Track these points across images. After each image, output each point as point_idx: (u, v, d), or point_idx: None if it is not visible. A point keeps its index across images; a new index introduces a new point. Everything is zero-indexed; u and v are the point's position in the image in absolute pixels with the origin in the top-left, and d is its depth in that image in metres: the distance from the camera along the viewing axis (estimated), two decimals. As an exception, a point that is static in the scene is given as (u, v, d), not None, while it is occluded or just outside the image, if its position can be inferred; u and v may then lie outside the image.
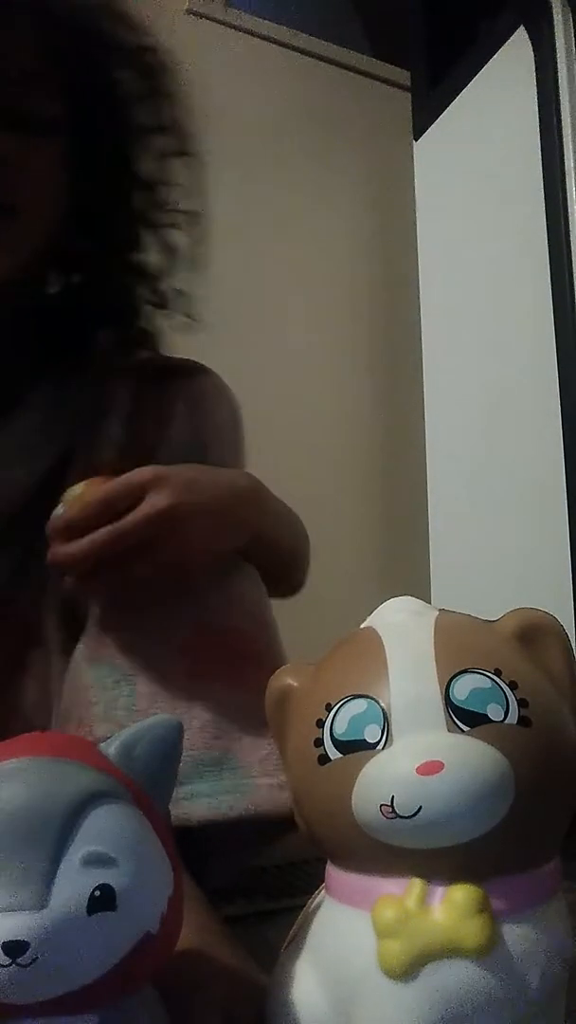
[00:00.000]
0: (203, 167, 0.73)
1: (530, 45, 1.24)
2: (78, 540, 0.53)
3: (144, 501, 0.53)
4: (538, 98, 1.21)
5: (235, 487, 0.60)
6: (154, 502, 0.53)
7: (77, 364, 0.69)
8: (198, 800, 0.53)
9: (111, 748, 0.34)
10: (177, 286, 0.73)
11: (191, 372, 0.69)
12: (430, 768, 0.31)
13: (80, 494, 0.55)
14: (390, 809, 0.32)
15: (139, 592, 0.57)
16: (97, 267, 0.68)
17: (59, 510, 0.55)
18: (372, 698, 0.34)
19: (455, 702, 0.33)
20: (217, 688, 0.56)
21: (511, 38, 1.29)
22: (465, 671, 0.34)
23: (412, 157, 1.55)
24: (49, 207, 0.62)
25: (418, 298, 1.52)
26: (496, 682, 0.33)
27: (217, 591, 0.59)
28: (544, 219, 1.18)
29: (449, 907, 0.32)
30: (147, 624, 0.57)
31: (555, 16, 1.20)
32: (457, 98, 1.43)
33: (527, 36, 1.24)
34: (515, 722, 0.33)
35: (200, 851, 0.54)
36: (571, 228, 1.15)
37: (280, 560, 0.67)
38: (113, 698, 0.55)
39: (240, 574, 0.62)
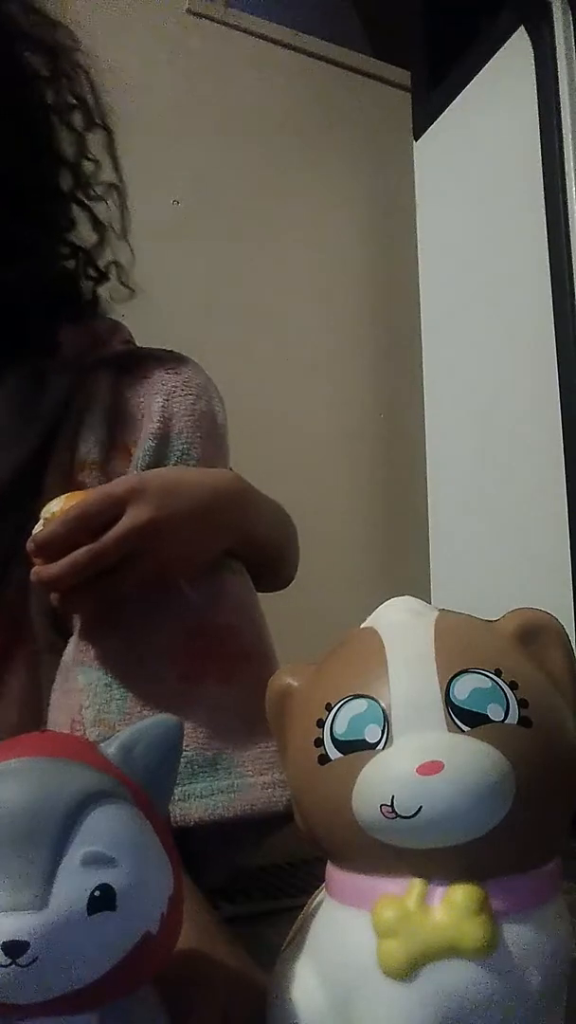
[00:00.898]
0: (114, 137, 0.74)
1: (530, 45, 1.23)
2: (58, 560, 0.52)
3: (124, 515, 0.53)
4: (538, 98, 1.21)
5: (218, 488, 0.60)
6: (134, 516, 0.53)
7: (46, 355, 0.68)
8: (194, 801, 0.53)
9: (111, 748, 0.34)
10: (112, 258, 0.73)
11: (170, 363, 0.67)
12: (430, 768, 0.31)
13: (56, 511, 0.54)
14: (390, 809, 0.32)
15: (125, 602, 0.56)
16: (33, 250, 0.67)
17: (38, 527, 0.54)
18: (372, 698, 0.34)
19: (455, 702, 0.33)
20: (209, 688, 0.56)
21: (511, 38, 1.28)
22: (465, 671, 0.34)
23: (412, 157, 1.55)
24: None
25: (418, 298, 1.51)
26: (496, 682, 0.33)
27: (205, 589, 0.59)
28: (544, 219, 1.18)
29: (449, 907, 0.32)
30: (136, 626, 0.57)
31: (555, 16, 1.20)
32: (457, 98, 1.43)
33: (527, 36, 1.24)
34: (515, 722, 0.33)
35: (196, 850, 0.54)
36: (571, 228, 1.15)
37: (267, 556, 0.66)
38: (105, 702, 0.55)
39: (227, 570, 0.61)
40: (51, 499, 0.56)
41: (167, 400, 0.64)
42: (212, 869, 0.57)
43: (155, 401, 0.64)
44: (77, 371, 0.69)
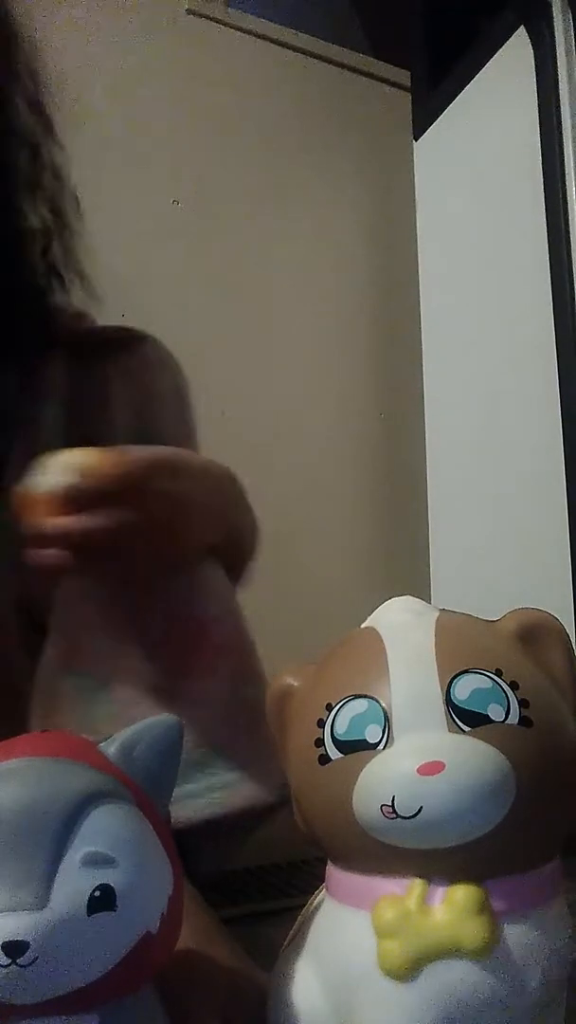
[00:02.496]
0: (57, 114, 0.69)
1: (530, 45, 1.23)
2: (90, 513, 0.47)
3: (155, 483, 0.49)
4: (538, 98, 1.21)
5: (219, 478, 0.58)
6: (169, 487, 0.50)
7: (9, 352, 0.65)
8: (187, 801, 0.53)
9: (111, 748, 0.34)
10: (64, 246, 0.70)
11: (128, 342, 0.64)
12: (431, 768, 0.31)
13: (88, 465, 0.48)
14: (391, 809, 0.32)
15: (108, 584, 0.54)
16: None
17: (57, 477, 0.48)
18: (373, 698, 0.34)
19: (456, 702, 0.33)
20: (195, 682, 0.55)
21: (511, 38, 1.28)
22: (466, 671, 0.33)
23: (412, 157, 1.55)
24: None
25: (418, 298, 1.52)
26: (497, 682, 0.33)
27: (183, 580, 0.57)
28: (544, 219, 1.18)
29: (450, 907, 0.32)
30: (117, 625, 0.56)
31: (555, 16, 1.20)
32: (457, 98, 1.43)
33: (527, 36, 1.24)
34: (516, 722, 0.33)
35: (188, 846, 0.54)
36: (571, 228, 1.15)
37: (239, 547, 0.64)
38: (92, 704, 0.54)
39: (201, 561, 0.59)
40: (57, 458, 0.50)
41: (127, 383, 0.62)
42: (203, 864, 0.57)
43: (116, 387, 0.61)
44: (37, 365, 0.65)
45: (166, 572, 0.57)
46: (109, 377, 0.62)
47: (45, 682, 0.57)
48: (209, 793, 0.53)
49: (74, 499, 0.47)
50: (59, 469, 0.49)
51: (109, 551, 0.49)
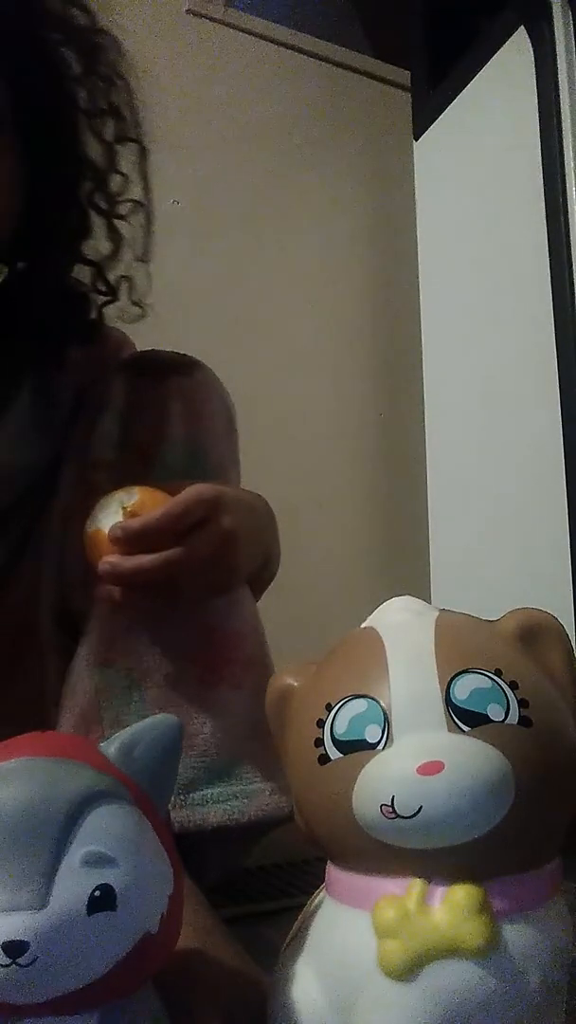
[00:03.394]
0: (148, 155, 0.71)
1: (530, 45, 1.23)
2: (148, 554, 0.51)
3: (211, 520, 0.53)
4: (538, 98, 1.21)
5: (261, 510, 0.62)
6: (223, 523, 0.53)
7: (60, 359, 0.68)
8: (212, 806, 0.54)
9: (111, 748, 0.34)
10: (124, 273, 0.72)
11: (184, 367, 0.68)
12: (430, 768, 0.31)
13: (142, 502, 0.53)
14: (390, 809, 0.32)
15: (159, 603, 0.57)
16: (47, 255, 0.67)
17: (112, 517, 0.53)
18: (372, 698, 0.34)
19: (455, 702, 0.33)
20: (223, 692, 0.57)
21: (511, 38, 1.28)
22: (466, 671, 0.34)
23: (412, 157, 1.55)
24: (6, 197, 0.61)
25: (418, 297, 1.52)
26: (497, 682, 0.33)
27: (222, 599, 0.60)
28: (544, 219, 1.18)
29: (449, 907, 0.32)
30: (156, 629, 0.57)
31: (555, 16, 1.20)
32: (457, 98, 1.43)
33: (527, 36, 1.24)
34: (516, 722, 0.33)
35: (194, 851, 0.54)
36: (571, 228, 1.15)
37: (270, 572, 0.68)
38: (123, 704, 0.55)
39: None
40: (120, 491, 0.55)
41: (182, 405, 0.64)
42: (210, 869, 0.57)
43: (173, 404, 0.64)
44: (90, 377, 0.69)
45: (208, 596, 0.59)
46: (165, 395, 0.65)
47: (76, 680, 0.58)
48: (232, 800, 0.54)
49: (124, 539, 0.52)
50: (113, 509, 0.54)
51: (160, 585, 0.53)
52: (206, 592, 0.57)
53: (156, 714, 0.54)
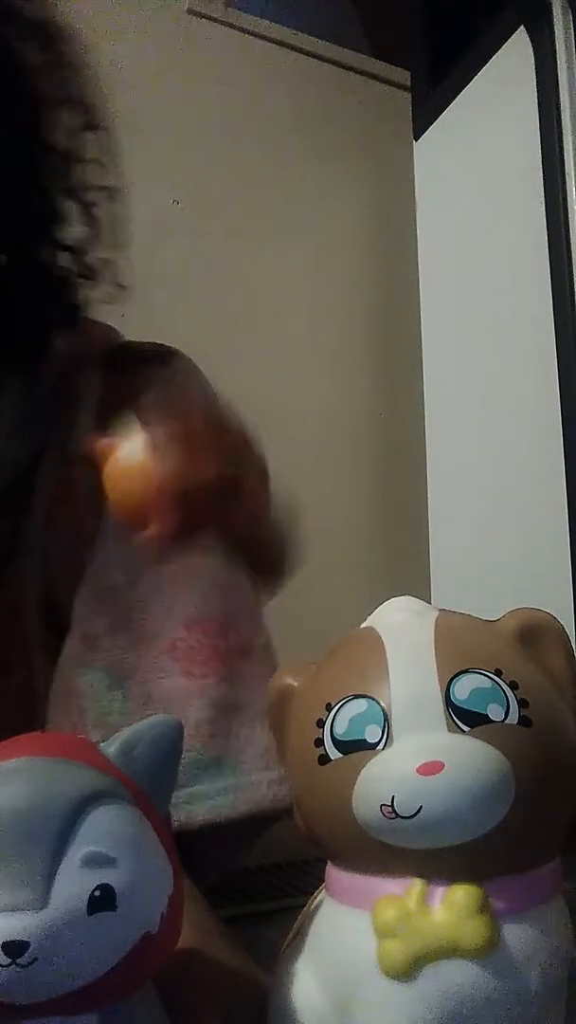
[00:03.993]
0: (115, 141, 0.71)
1: (530, 45, 1.23)
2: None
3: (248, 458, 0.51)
4: (538, 98, 1.21)
5: (265, 468, 0.59)
6: (261, 464, 0.52)
7: (39, 359, 0.67)
8: (199, 803, 0.53)
9: (111, 748, 0.34)
10: (102, 256, 0.71)
11: (161, 357, 0.67)
12: (431, 768, 0.31)
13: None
14: (390, 809, 0.32)
15: (128, 600, 0.56)
16: (21, 243, 0.66)
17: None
18: (372, 698, 0.34)
19: (455, 702, 0.33)
20: (210, 684, 0.56)
21: (511, 38, 1.28)
22: (465, 671, 0.33)
23: (412, 157, 1.55)
24: None
25: (418, 297, 1.51)
26: (496, 682, 0.33)
27: (205, 580, 0.58)
28: (544, 219, 1.18)
29: (449, 907, 0.32)
30: (136, 624, 0.57)
31: (555, 16, 1.20)
32: (457, 98, 1.43)
33: (527, 36, 1.24)
34: (516, 722, 0.33)
35: (193, 849, 0.54)
36: (571, 228, 1.15)
37: (269, 550, 0.65)
38: (107, 703, 0.55)
39: (224, 560, 0.60)
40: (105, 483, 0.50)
41: (158, 395, 0.62)
42: (210, 867, 0.57)
43: (148, 395, 0.61)
44: (69, 371, 0.68)
45: (186, 574, 0.57)
46: (140, 387, 0.63)
47: (60, 680, 0.58)
48: (222, 795, 0.53)
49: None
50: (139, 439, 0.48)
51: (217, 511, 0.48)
52: (223, 537, 0.53)
53: (138, 711, 0.54)
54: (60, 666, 0.58)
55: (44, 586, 0.63)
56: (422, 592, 1.28)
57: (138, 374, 0.64)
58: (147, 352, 0.67)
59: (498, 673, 0.34)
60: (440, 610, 0.38)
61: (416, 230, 1.54)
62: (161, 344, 0.68)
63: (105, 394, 0.64)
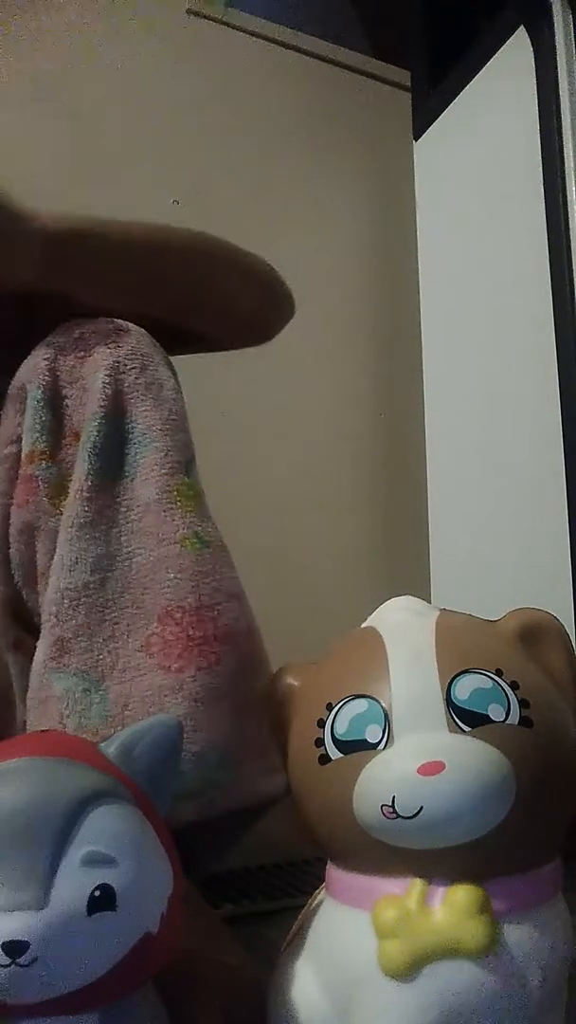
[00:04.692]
0: None
1: (530, 45, 1.23)
2: None
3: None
4: (538, 98, 1.21)
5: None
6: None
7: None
8: (185, 800, 0.51)
9: (111, 748, 0.34)
10: None
11: (112, 335, 0.62)
12: (431, 768, 0.31)
13: None
14: (391, 809, 0.32)
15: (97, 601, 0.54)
16: None
17: None
18: (373, 698, 0.34)
19: (456, 702, 0.33)
20: (187, 678, 0.53)
21: (511, 38, 1.28)
22: (466, 671, 0.33)
23: (412, 157, 1.55)
24: None
25: (418, 298, 1.51)
26: (497, 682, 0.33)
27: (176, 571, 0.56)
28: (544, 219, 1.18)
29: (450, 907, 0.32)
30: (108, 622, 0.54)
31: (555, 16, 1.19)
32: (457, 98, 1.43)
33: (527, 36, 1.24)
34: (516, 722, 0.33)
35: (183, 844, 0.53)
36: (571, 228, 1.15)
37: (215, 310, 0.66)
38: (85, 707, 0.53)
39: (192, 545, 0.57)
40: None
41: (110, 375, 0.59)
42: (201, 863, 0.55)
43: (98, 378, 0.59)
44: (17, 352, 0.64)
45: (159, 566, 0.55)
46: (92, 370, 0.60)
47: (36, 687, 0.55)
48: (208, 791, 0.51)
49: None
50: None
51: None
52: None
53: (118, 713, 0.52)
54: (34, 671, 0.56)
55: (9, 589, 0.60)
56: (422, 592, 1.28)
57: (89, 358, 0.61)
58: (97, 333, 0.62)
59: (499, 673, 0.34)
60: (440, 610, 0.38)
61: (416, 230, 1.54)
62: (112, 321, 0.64)
63: (55, 381, 0.61)
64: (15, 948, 0.28)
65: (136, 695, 0.53)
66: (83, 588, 0.55)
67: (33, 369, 0.61)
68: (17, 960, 0.28)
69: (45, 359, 0.61)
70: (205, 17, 1.51)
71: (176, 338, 0.66)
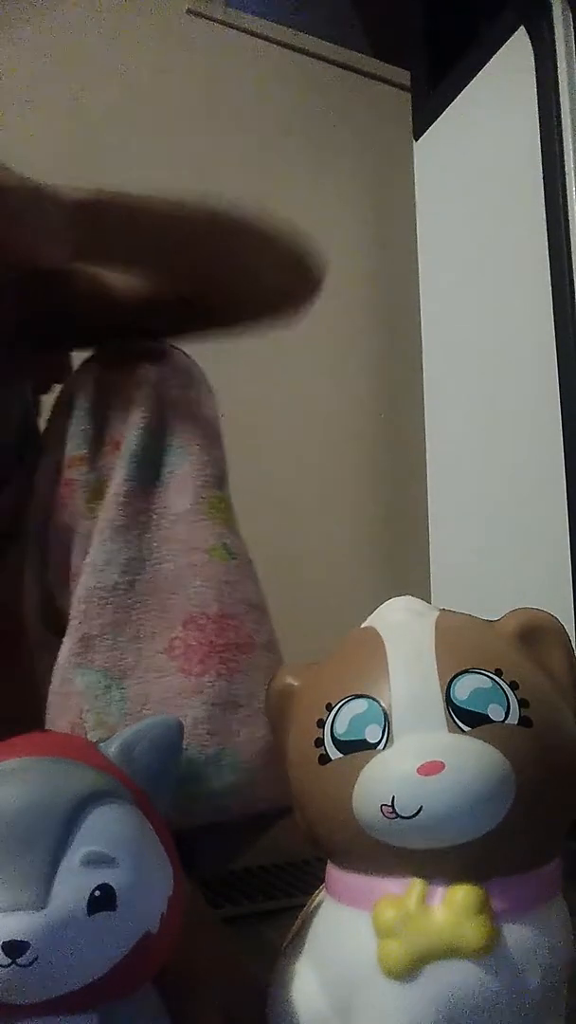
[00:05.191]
0: None
1: (530, 45, 1.23)
2: None
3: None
4: (538, 98, 1.21)
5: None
6: None
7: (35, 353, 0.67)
8: (199, 802, 0.52)
9: (111, 748, 0.34)
10: None
11: (156, 354, 0.66)
12: (431, 768, 0.31)
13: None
14: (391, 809, 0.32)
15: (123, 589, 0.56)
16: None
17: None
18: (373, 698, 0.34)
19: (456, 702, 0.33)
20: (208, 682, 0.55)
21: (511, 38, 1.28)
22: (466, 671, 0.34)
23: (412, 157, 1.55)
24: None
25: (418, 297, 1.51)
26: (497, 682, 0.33)
27: (200, 578, 0.58)
28: (544, 219, 1.18)
29: (449, 907, 0.32)
30: (134, 623, 0.56)
31: (555, 16, 1.19)
32: (457, 98, 1.43)
33: (527, 36, 1.24)
34: (516, 722, 0.33)
35: (193, 847, 0.54)
36: (571, 228, 1.15)
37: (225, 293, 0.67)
38: (105, 704, 0.54)
39: (221, 556, 0.60)
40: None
41: (153, 390, 0.62)
42: (209, 866, 0.56)
43: (141, 392, 0.62)
44: (61, 367, 0.67)
45: (185, 573, 0.57)
46: (133, 385, 0.63)
47: (59, 683, 0.57)
48: (221, 795, 0.53)
49: None
50: None
51: None
52: None
53: (136, 711, 0.54)
54: (57, 667, 0.57)
55: (42, 588, 0.63)
56: (422, 592, 1.28)
57: (131, 375, 0.64)
58: (141, 350, 0.66)
59: (498, 673, 0.34)
60: (440, 610, 0.38)
61: (416, 230, 1.54)
62: (158, 343, 0.67)
63: (99, 395, 0.64)
64: (15, 948, 0.28)
65: (155, 695, 0.54)
66: (112, 588, 0.56)
67: (81, 381, 0.64)
68: (17, 960, 0.28)
69: (91, 374, 0.64)
70: (205, 17, 1.51)
71: (203, 318, 0.68)
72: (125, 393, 0.63)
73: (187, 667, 0.55)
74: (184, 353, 0.67)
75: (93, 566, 0.57)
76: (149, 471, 0.60)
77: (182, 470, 0.61)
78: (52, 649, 0.60)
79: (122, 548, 0.57)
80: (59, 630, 0.60)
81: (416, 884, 0.32)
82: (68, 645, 0.57)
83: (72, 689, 0.56)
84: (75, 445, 0.62)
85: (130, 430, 0.61)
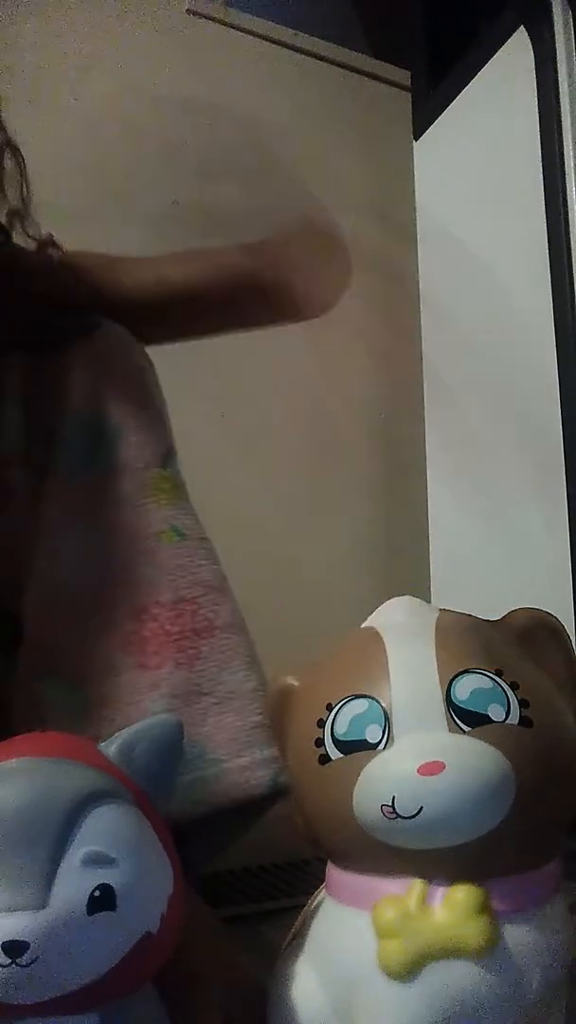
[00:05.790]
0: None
1: (530, 45, 1.23)
2: None
3: None
4: (538, 98, 1.21)
5: None
6: None
7: None
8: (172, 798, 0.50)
9: (111, 748, 0.34)
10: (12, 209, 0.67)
11: (87, 329, 0.61)
12: (431, 768, 0.31)
13: None
14: (391, 809, 0.32)
15: (77, 585, 0.53)
16: None
17: None
18: (373, 698, 0.34)
19: (456, 702, 0.33)
20: (165, 674, 0.52)
21: (511, 38, 1.28)
22: (466, 671, 0.33)
23: (412, 157, 1.55)
24: None
25: (418, 298, 1.52)
26: (497, 682, 0.33)
27: (154, 567, 0.55)
28: (544, 219, 1.18)
29: (450, 907, 0.32)
30: (88, 623, 0.54)
31: (555, 16, 1.19)
32: (457, 98, 1.43)
33: (527, 36, 1.24)
34: (516, 722, 0.33)
35: (177, 840, 0.52)
36: (571, 228, 1.15)
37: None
38: (69, 710, 0.52)
39: (167, 539, 0.56)
40: None
41: (85, 371, 0.59)
42: (196, 856, 0.54)
43: (72, 375, 0.59)
44: None
45: (135, 563, 0.54)
46: (65, 367, 0.59)
47: (23, 690, 0.55)
48: (189, 789, 0.50)
49: None
50: None
51: None
52: None
53: (99, 713, 0.50)
54: (19, 677, 0.55)
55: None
56: (422, 592, 1.28)
57: (62, 355, 0.60)
58: (72, 328, 0.61)
59: (499, 673, 0.34)
60: (440, 610, 0.38)
61: (416, 230, 1.54)
62: (86, 315, 0.62)
63: (30, 380, 0.60)
64: (15, 948, 0.28)
65: (115, 695, 0.52)
66: (61, 588, 0.54)
67: (5, 371, 0.60)
68: (17, 960, 0.28)
69: (18, 361, 0.60)
70: (205, 17, 1.51)
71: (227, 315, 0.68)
72: (53, 377, 0.59)
73: (143, 661, 0.52)
74: (115, 325, 0.63)
75: (38, 569, 0.55)
76: (86, 458, 0.57)
77: (122, 453, 0.57)
78: (9, 652, 0.57)
79: (65, 545, 0.55)
80: (16, 632, 0.57)
81: (417, 884, 0.32)
82: (26, 651, 0.55)
83: (35, 699, 0.53)
84: (9, 443, 0.59)
85: (62, 416, 0.58)
